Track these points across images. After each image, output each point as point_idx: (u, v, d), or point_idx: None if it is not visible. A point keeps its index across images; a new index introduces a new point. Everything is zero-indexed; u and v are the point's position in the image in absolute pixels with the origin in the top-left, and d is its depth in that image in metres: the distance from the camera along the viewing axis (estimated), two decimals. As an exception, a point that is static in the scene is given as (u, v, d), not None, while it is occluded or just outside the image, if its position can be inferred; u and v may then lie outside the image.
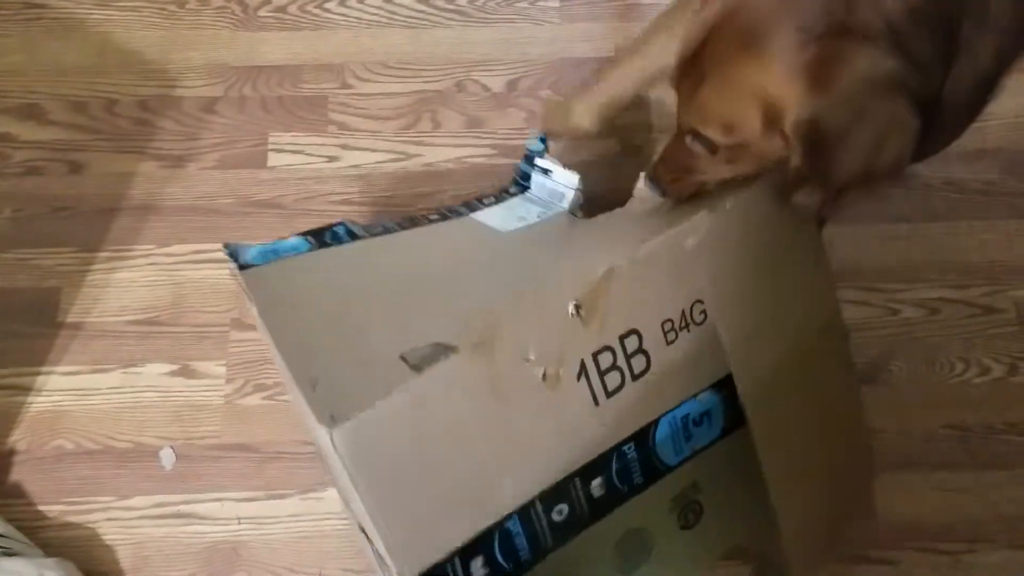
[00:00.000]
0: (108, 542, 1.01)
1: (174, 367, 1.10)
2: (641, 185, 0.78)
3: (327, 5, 1.33)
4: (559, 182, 1.01)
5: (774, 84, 0.59)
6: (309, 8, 1.33)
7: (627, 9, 1.36)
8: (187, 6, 1.32)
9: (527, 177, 1.04)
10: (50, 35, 1.30)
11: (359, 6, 1.33)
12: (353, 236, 0.89)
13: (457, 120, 1.26)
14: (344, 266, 0.86)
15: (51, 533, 1.01)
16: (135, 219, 1.18)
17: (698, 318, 0.72)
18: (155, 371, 1.10)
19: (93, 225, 1.17)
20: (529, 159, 1.04)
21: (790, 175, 0.64)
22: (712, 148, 0.67)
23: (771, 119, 0.61)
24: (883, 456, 1.06)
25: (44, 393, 1.09)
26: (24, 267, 1.15)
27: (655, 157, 0.75)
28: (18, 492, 1.04)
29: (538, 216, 0.98)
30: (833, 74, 0.57)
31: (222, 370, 1.09)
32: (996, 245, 1.19)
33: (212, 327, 1.12)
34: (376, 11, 1.33)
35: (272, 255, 0.83)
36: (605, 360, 0.68)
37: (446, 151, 1.24)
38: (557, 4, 1.34)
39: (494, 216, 0.99)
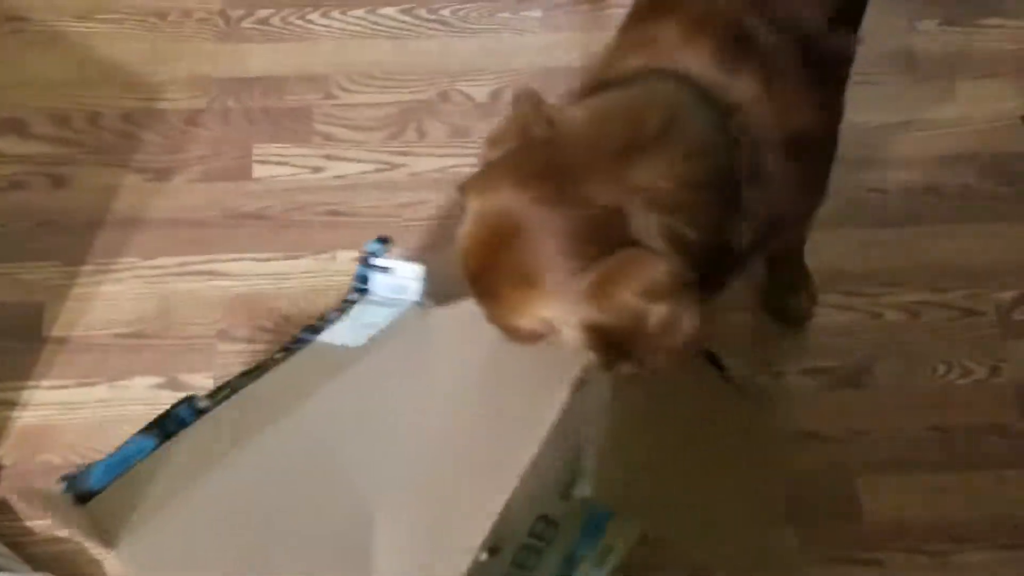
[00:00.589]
0: (95, 556, 1.01)
1: (161, 380, 1.10)
2: None
3: (310, 16, 1.34)
4: (402, 276, 0.95)
5: (556, 312, 0.62)
6: (292, 19, 1.33)
7: (608, 19, 1.37)
8: (169, 18, 1.32)
9: (365, 279, 0.98)
10: (32, 48, 1.29)
11: (342, 17, 1.34)
12: (199, 412, 0.85)
13: (442, 130, 1.27)
14: (195, 469, 0.79)
15: (38, 548, 1.01)
16: (120, 232, 1.18)
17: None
18: (142, 384, 1.10)
19: (78, 239, 1.17)
20: (366, 261, 0.98)
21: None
22: None
23: (559, 333, 0.63)
24: (868, 458, 1.07)
25: (30, 407, 1.08)
26: (9, 281, 1.15)
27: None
28: (5, 507, 1.03)
29: (386, 319, 0.92)
30: (611, 292, 0.59)
31: (209, 382, 1.09)
32: (975, 248, 1.20)
33: (199, 339, 1.12)
34: (360, 22, 1.34)
35: (121, 466, 0.79)
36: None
37: (431, 161, 1.24)
38: (539, 14, 1.35)
39: (342, 333, 0.94)
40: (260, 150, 1.24)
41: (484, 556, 0.62)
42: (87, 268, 1.16)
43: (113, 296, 1.15)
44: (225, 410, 0.87)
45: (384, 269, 0.97)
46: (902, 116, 1.28)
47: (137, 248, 1.17)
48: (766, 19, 0.70)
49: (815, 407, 1.11)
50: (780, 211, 0.70)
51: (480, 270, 0.64)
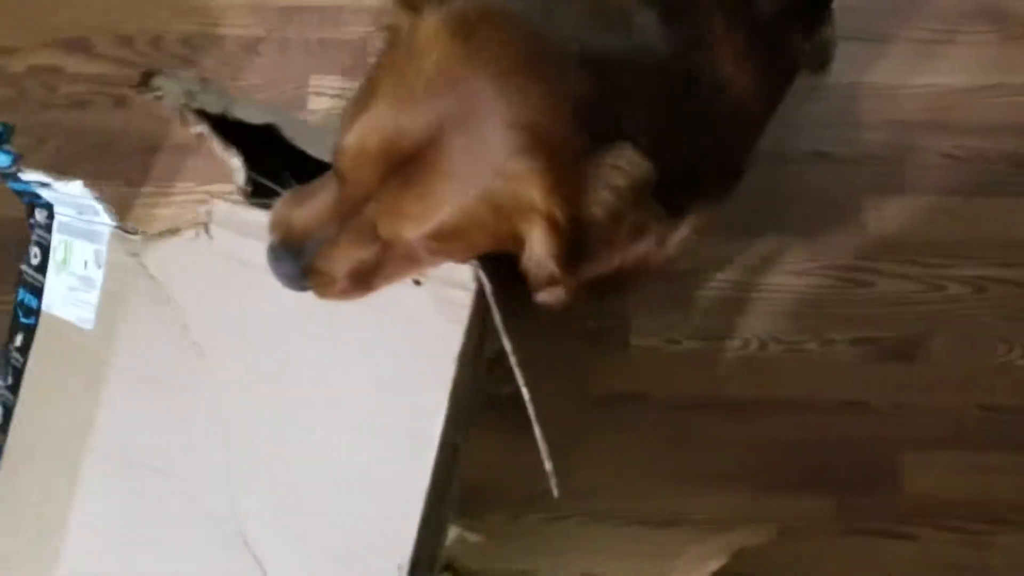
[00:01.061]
0: None
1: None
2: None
3: (370, -55, 1.31)
4: (71, 192, 0.73)
5: (533, 198, 0.51)
6: (351, -52, 1.31)
7: None
8: (232, -56, 1.31)
9: (37, 196, 0.78)
10: (97, -32, 1.30)
11: (403, -53, 1.31)
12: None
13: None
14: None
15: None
16: (178, 157, 1.19)
17: None
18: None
19: (136, 161, 1.19)
20: (12, 176, 0.76)
21: (533, 277, 0.56)
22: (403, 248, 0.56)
23: (517, 228, 0.53)
24: (912, 433, 1.05)
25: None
26: (69, 200, 1.17)
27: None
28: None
29: (97, 264, 0.72)
30: (598, 186, 0.52)
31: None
32: (1051, 223, 1.14)
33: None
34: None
35: None
36: None
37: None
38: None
39: (62, 298, 0.74)
40: (316, 81, 1.23)
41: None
42: (145, 190, 1.18)
43: (169, 219, 1.17)
44: (13, 439, 0.76)
45: (43, 184, 0.75)
46: (985, 79, 1.21)
47: (192, 173, 1.19)
48: None
49: (863, 377, 1.09)
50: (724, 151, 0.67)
51: (423, 145, 0.51)
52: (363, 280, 0.56)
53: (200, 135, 0.66)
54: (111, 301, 0.70)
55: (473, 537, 0.93)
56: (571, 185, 0.51)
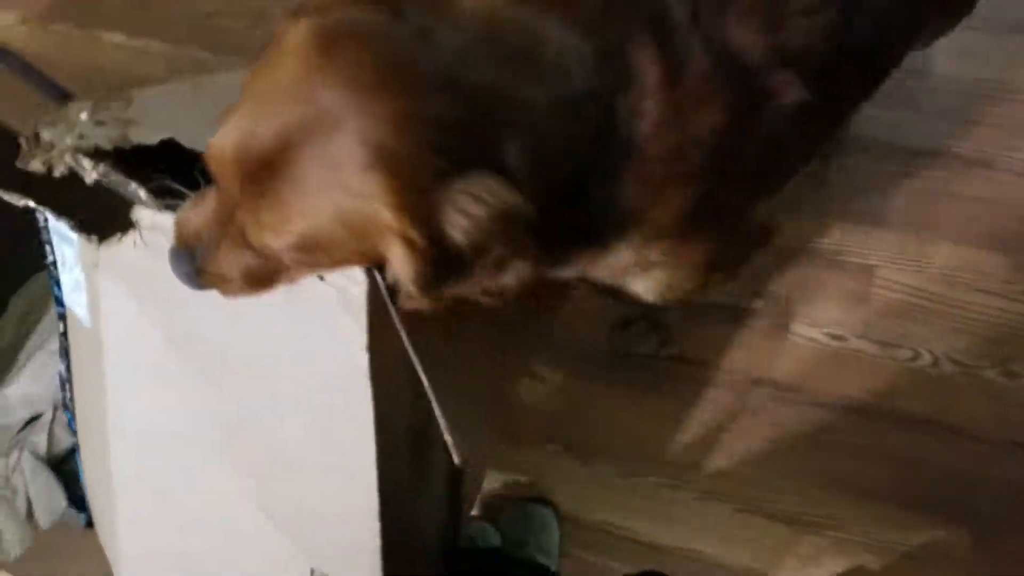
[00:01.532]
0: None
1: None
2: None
3: None
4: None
5: (392, 219, 0.49)
6: None
7: None
8: None
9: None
10: None
11: None
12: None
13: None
14: None
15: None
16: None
17: None
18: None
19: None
20: None
21: (399, 290, 0.54)
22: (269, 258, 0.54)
23: (376, 246, 0.51)
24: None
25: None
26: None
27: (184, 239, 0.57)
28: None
29: (76, 259, 0.73)
30: (464, 213, 0.50)
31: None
32: None
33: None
34: None
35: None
36: None
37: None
38: None
39: (71, 295, 0.76)
40: None
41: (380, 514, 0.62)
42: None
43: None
44: (81, 420, 0.84)
45: None
46: None
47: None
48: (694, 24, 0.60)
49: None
50: (636, 205, 0.61)
51: (271, 159, 0.49)
52: (258, 280, 0.56)
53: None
54: (93, 303, 0.73)
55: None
56: (424, 208, 0.49)
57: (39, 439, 1.15)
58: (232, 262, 0.55)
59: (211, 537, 0.70)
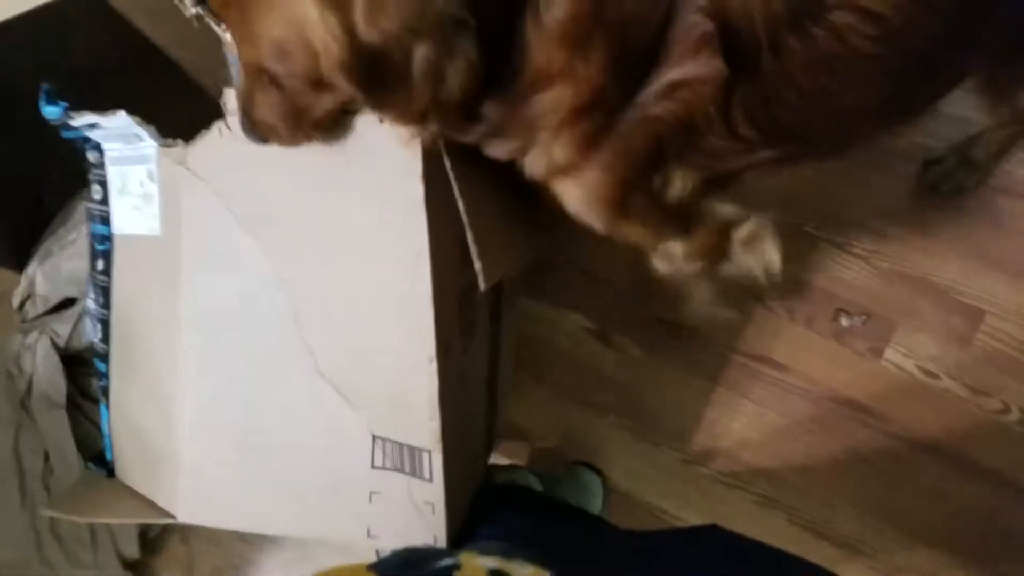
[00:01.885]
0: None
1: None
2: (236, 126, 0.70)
3: None
4: (117, 127, 0.84)
5: (319, 19, 0.54)
6: None
7: None
8: None
9: (87, 140, 0.89)
10: None
11: None
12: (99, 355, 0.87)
13: None
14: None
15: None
16: None
17: None
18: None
19: None
20: (65, 127, 0.88)
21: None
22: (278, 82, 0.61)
23: (313, 46, 0.56)
24: None
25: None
26: None
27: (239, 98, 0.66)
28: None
29: (150, 177, 0.83)
30: (382, 12, 0.53)
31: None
32: None
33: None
34: None
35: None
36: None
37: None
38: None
39: (128, 217, 0.85)
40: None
41: (438, 360, 0.67)
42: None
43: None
44: (118, 351, 0.90)
45: (92, 125, 0.88)
46: None
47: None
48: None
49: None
50: (539, 61, 0.60)
51: None
52: (291, 116, 0.63)
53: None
54: (171, 206, 0.81)
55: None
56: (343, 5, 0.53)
57: (62, 329, 1.15)
58: (264, 104, 0.63)
59: (276, 413, 0.74)
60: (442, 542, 0.68)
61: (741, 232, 0.78)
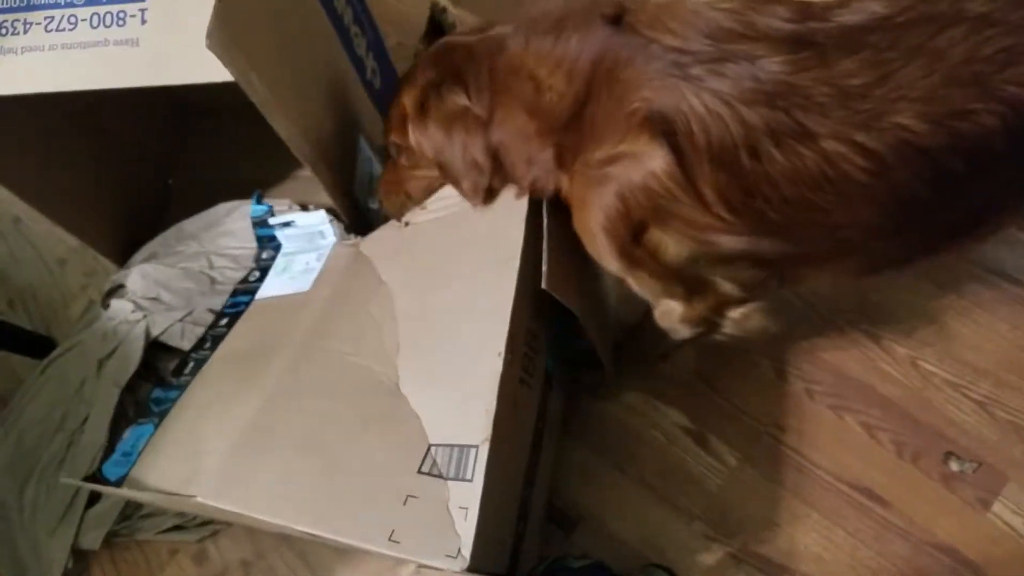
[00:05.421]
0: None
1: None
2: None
3: None
4: (308, 225, 1.04)
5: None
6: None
7: None
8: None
9: (272, 239, 1.09)
10: None
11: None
12: (174, 387, 0.97)
13: None
14: (216, 415, 0.90)
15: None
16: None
17: None
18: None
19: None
20: (262, 223, 1.08)
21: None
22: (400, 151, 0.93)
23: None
24: None
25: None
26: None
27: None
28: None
29: (318, 260, 1.02)
30: (429, 110, 0.86)
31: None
32: None
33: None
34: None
35: (131, 453, 0.91)
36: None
37: None
38: None
39: (279, 285, 1.03)
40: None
41: (506, 357, 0.74)
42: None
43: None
44: (207, 373, 0.99)
45: (286, 224, 1.06)
46: None
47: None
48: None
49: None
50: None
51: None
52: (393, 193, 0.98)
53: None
54: (326, 275, 1.00)
55: None
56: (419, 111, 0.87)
57: (162, 319, 1.15)
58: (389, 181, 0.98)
59: (340, 426, 0.81)
60: (467, 550, 0.65)
61: (735, 312, 0.86)
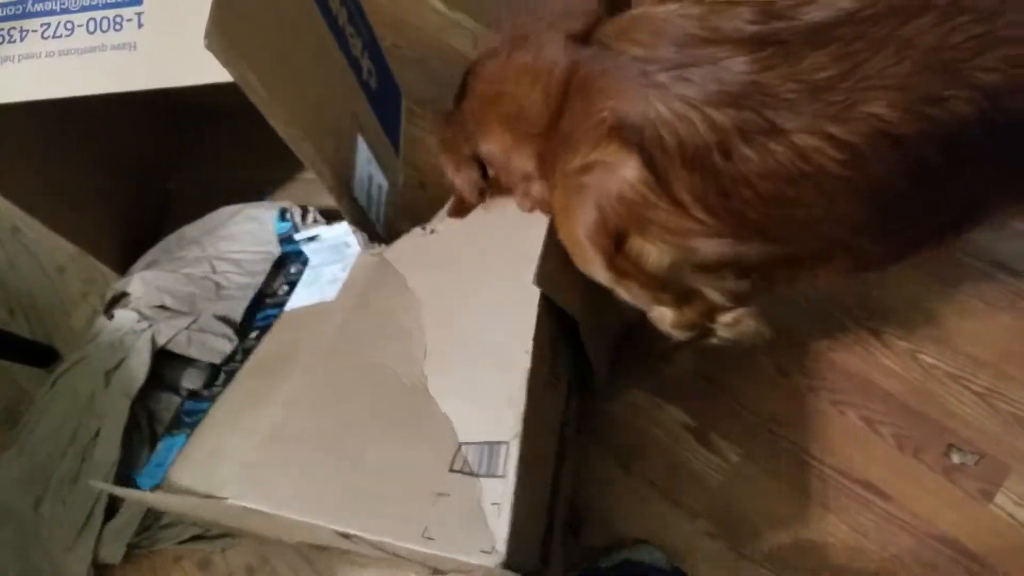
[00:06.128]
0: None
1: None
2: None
3: None
4: (333, 237, 1.04)
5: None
6: None
7: None
8: None
9: (300, 254, 1.09)
10: None
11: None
12: (200, 398, 1.00)
13: None
14: (246, 419, 0.92)
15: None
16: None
17: None
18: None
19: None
20: (287, 240, 1.10)
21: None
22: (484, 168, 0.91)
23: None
24: None
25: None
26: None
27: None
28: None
29: (343, 270, 1.02)
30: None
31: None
32: None
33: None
34: None
35: (163, 464, 0.92)
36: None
37: None
38: None
39: (306, 296, 1.04)
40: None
41: (534, 353, 0.77)
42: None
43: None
44: (236, 384, 1.01)
45: (311, 239, 1.06)
46: None
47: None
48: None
49: None
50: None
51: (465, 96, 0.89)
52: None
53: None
54: (351, 283, 1.00)
55: None
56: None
57: (167, 327, 1.14)
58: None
59: (370, 426, 0.81)
60: (502, 545, 0.66)
61: (726, 317, 0.88)
